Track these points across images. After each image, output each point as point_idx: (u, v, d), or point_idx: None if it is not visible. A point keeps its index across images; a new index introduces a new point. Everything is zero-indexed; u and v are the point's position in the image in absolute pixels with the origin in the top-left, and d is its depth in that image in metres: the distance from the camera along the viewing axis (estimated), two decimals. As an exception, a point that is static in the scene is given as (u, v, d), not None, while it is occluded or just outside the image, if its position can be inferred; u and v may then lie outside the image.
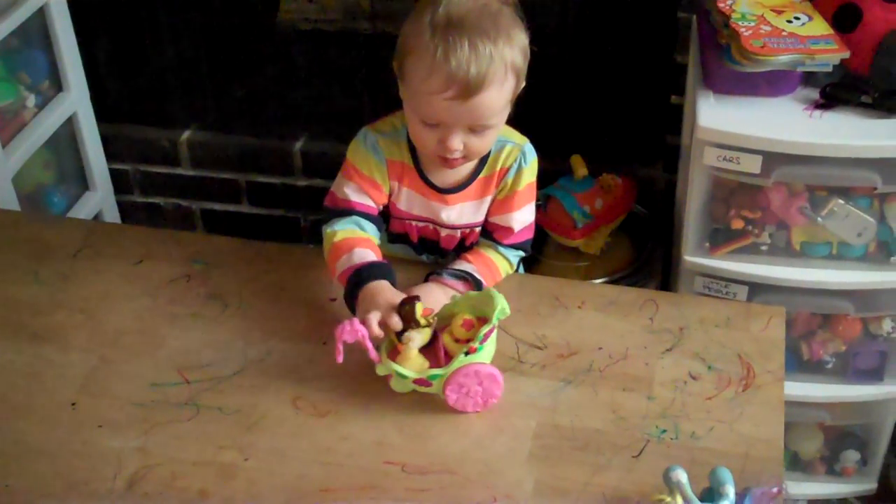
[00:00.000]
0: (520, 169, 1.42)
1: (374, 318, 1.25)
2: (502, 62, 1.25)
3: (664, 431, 1.24)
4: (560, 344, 1.37)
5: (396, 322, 1.24)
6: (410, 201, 1.45)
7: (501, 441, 1.23)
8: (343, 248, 1.37)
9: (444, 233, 1.47)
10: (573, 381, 1.31)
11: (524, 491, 1.17)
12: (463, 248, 1.50)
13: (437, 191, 1.43)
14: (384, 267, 1.35)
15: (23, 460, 1.22)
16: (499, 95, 1.28)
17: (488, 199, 1.45)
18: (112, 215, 2.50)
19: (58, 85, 2.30)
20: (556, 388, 1.30)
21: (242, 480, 1.19)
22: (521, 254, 1.50)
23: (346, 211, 1.41)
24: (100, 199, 2.45)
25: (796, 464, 2.07)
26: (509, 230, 1.45)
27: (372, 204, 1.42)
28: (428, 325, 1.26)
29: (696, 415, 1.26)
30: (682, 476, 1.07)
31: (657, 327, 1.39)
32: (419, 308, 1.25)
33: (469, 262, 1.44)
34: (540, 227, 2.07)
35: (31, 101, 2.24)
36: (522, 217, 1.46)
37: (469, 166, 1.42)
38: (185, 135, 2.43)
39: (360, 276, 1.32)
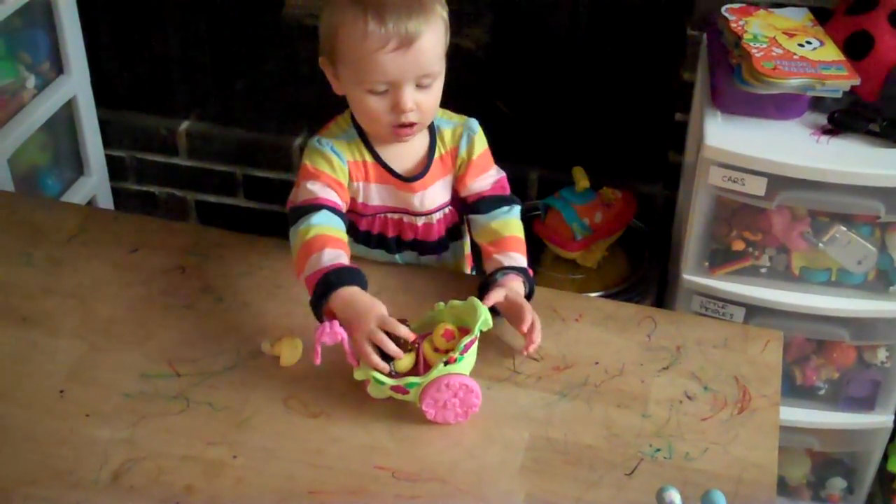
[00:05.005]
0: (470, 139, 1.44)
1: (373, 347, 1.22)
2: (431, 9, 1.30)
3: (658, 450, 1.23)
4: (556, 356, 1.35)
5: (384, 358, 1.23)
6: (382, 195, 1.44)
7: (493, 452, 1.22)
8: (314, 247, 1.30)
9: (420, 221, 1.46)
10: (568, 394, 1.30)
11: (515, 503, 1.16)
12: (447, 237, 1.50)
13: (403, 180, 1.43)
14: (354, 272, 1.28)
15: (7, 446, 1.20)
16: (436, 41, 1.31)
17: (450, 177, 1.46)
18: (106, 201, 2.48)
19: (59, 67, 2.28)
20: (551, 401, 1.29)
21: (230, 478, 1.17)
22: (517, 206, 1.47)
23: (314, 206, 1.35)
24: (94, 185, 2.43)
25: (782, 488, 2.06)
26: (486, 186, 1.46)
27: (339, 201, 1.39)
28: (411, 351, 1.25)
29: (690, 435, 1.25)
30: (675, 497, 1.06)
31: (654, 345, 1.38)
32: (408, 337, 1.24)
33: (497, 252, 1.40)
34: (538, 237, 2.07)
35: (31, 82, 2.21)
36: (492, 175, 1.47)
37: (422, 150, 1.43)
38: (185, 125, 2.41)
39: (329, 282, 1.26)
